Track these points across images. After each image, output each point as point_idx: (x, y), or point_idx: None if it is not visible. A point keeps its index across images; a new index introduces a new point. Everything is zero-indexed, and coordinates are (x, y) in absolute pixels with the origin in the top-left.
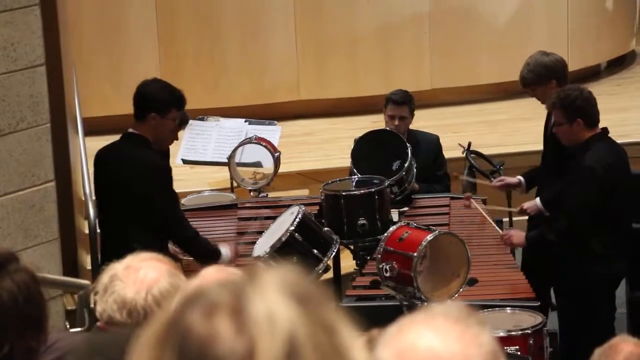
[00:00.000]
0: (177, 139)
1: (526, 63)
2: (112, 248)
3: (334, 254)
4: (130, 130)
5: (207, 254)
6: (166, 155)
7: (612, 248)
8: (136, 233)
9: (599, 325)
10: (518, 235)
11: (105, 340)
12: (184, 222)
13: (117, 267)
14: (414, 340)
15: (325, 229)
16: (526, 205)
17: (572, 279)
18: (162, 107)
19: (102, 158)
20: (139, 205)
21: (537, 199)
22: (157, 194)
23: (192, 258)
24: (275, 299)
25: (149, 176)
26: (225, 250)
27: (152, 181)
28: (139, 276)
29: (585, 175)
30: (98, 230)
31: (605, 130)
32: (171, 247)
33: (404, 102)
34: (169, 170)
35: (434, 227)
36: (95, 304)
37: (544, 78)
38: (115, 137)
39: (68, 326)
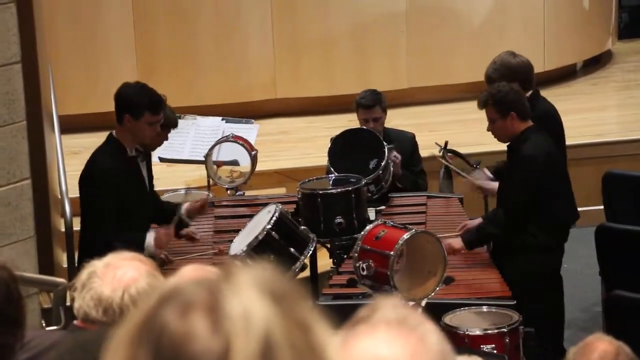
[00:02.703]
0: (166, 139)
1: (493, 61)
2: (89, 250)
3: (310, 252)
4: (113, 132)
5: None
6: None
7: (551, 237)
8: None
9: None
10: (456, 241)
11: (89, 337)
12: (108, 226)
13: (97, 265)
14: (360, 355)
15: (302, 227)
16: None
17: (515, 271)
18: (135, 110)
19: None
20: (84, 206)
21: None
22: (92, 195)
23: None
24: (251, 297)
25: (90, 178)
26: (150, 236)
27: (91, 184)
28: (117, 274)
29: (526, 164)
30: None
31: (537, 124)
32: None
33: (374, 105)
34: (112, 174)
35: (410, 226)
36: (73, 300)
37: (507, 79)
38: (91, 135)
39: (44, 324)
